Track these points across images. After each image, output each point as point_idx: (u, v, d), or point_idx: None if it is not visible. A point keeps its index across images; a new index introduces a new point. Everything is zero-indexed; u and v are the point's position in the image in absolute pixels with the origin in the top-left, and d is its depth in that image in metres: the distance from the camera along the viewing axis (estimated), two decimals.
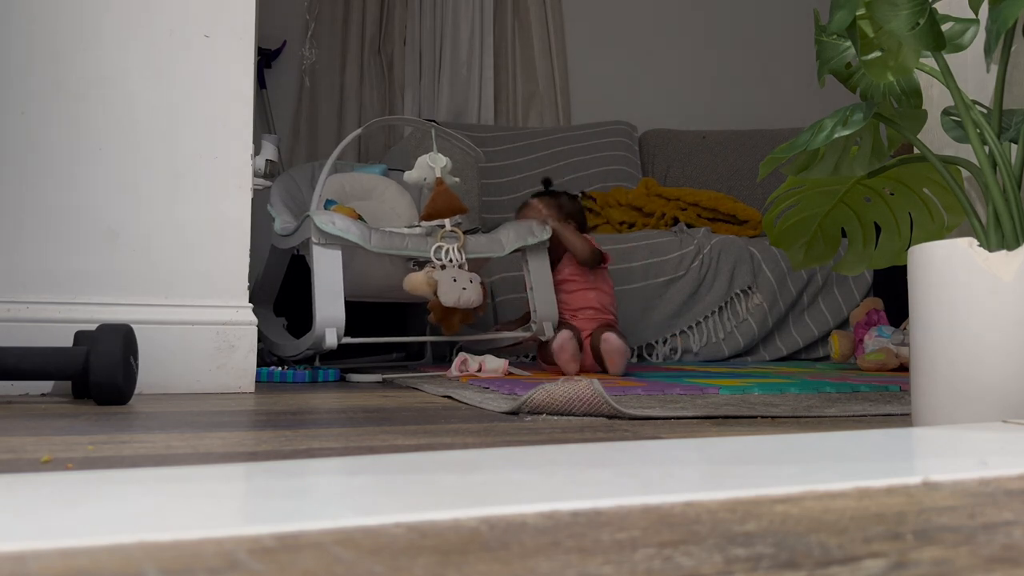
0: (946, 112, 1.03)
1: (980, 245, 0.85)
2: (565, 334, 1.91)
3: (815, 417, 1.07)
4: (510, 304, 2.52)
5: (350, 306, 1.94)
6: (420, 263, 2.00)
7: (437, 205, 2.01)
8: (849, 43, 1.02)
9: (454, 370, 1.80)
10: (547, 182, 2.37)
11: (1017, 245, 0.85)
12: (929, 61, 0.97)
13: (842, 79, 1.05)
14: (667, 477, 0.51)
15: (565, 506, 0.40)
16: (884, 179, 1.10)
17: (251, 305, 1.52)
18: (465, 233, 2.04)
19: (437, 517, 0.37)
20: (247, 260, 1.53)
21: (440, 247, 1.97)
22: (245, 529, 0.35)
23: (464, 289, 1.90)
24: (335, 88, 3.47)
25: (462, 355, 1.84)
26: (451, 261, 1.96)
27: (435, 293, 1.91)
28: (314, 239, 1.92)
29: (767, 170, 1.02)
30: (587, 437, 0.84)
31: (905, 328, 2.15)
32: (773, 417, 1.06)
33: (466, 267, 1.97)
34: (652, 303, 2.63)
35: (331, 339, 1.88)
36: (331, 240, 1.92)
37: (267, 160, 1.78)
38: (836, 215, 1.17)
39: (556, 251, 2.16)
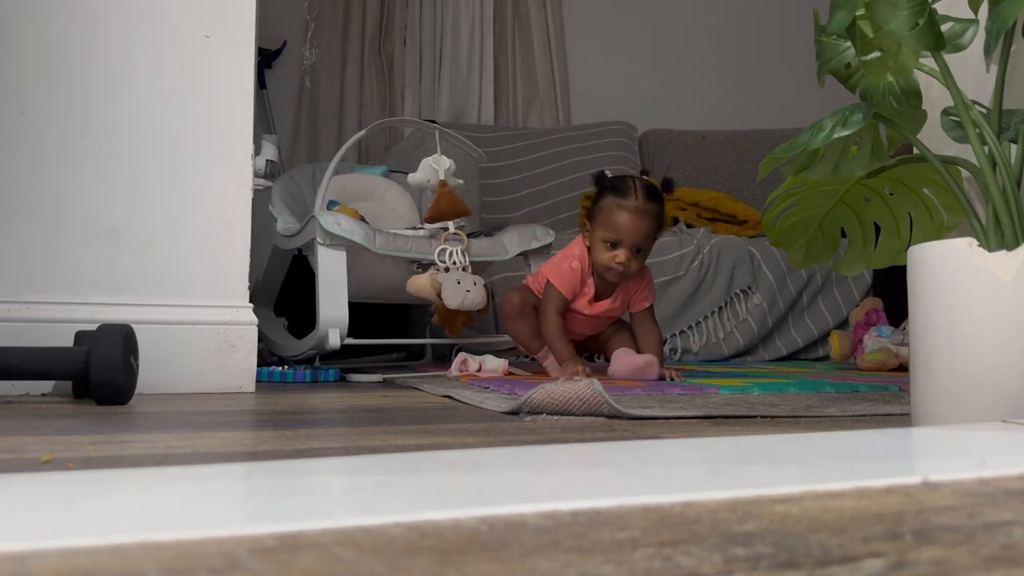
0: (946, 112, 1.03)
1: (980, 245, 0.85)
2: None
3: (815, 417, 1.07)
4: None
5: (352, 307, 1.94)
6: (424, 265, 2.00)
7: (441, 207, 2.01)
8: (849, 43, 1.02)
9: (454, 370, 1.80)
10: (667, 184, 1.78)
11: (1016, 245, 0.85)
12: (929, 61, 0.97)
13: (842, 79, 1.05)
14: (667, 477, 0.51)
15: (565, 506, 0.40)
16: (884, 179, 1.10)
17: (251, 305, 1.52)
18: (468, 236, 2.05)
19: (437, 517, 0.37)
20: (247, 260, 1.53)
21: (444, 249, 1.97)
22: (245, 529, 0.35)
23: (468, 292, 1.91)
24: (335, 88, 3.47)
25: (462, 355, 1.84)
26: (455, 263, 1.96)
27: (439, 295, 1.91)
28: (319, 239, 1.93)
29: (767, 170, 1.03)
30: (587, 437, 0.85)
31: (904, 328, 2.15)
32: (773, 417, 1.06)
33: (469, 269, 1.97)
34: None
35: (334, 339, 1.88)
36: (336, 241, 1.93)
37: (267, 160, 1.78)
38: (836, 215, 1.17)
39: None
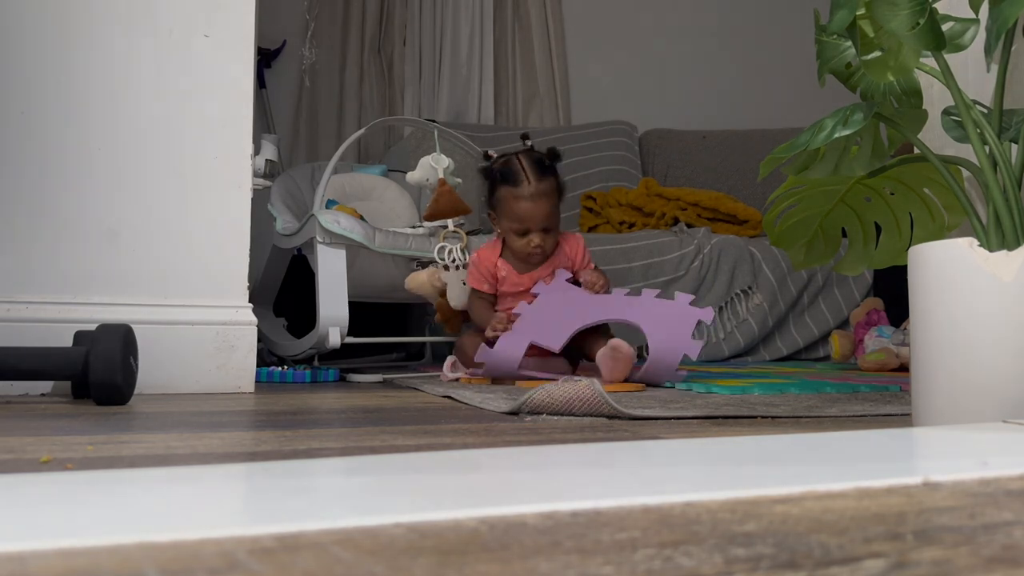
0: (946, 112, 1.03)
1: (980, 245, 0.85)
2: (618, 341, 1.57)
3: (815, 417, 1.06)
4: None
5: (351, 306, 1.94)
6: (423, 263, 2.00)
7: (440, 206, 2.01)
8: (849, 43, 1.02)
9: (447, 371, 1.79)
10: (553, 154, 1.79)
11: (1017, 245, 0.85)
12: (929, 61, 0.97)
13: (842, 79, 1.05)
14: (667, 477, 0.51)
15: (565, 506, 0.40)
16: (884, 179, 1.10)
17: (251, 305, 1.52)
18: (467, 234, 2.05)
19: (437, 517, 0.37)
20: (247, 260, 1.53)
21: (443, 247, 1.97)
22: (245, 529, 0.35)
23: None
24: (335, 88, 3.47)
25: (451, 358, 1.82)
26: (454, 261, 1.96)
27: (442, 295, 1.91)
28: (319, 238, 1.93)
29: (767, 170, 1.02)
30: (587, 437, 0.84)
31: (905, 328, 2.15)
32: (773, 417, 1.06)
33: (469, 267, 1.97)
34: None
35: (335, 338, 1.89)
36: (336, 239, 1.93)
37: (267, 160, 1.78)
38: (836, 215, 1.17)
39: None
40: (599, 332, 1.73)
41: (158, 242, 1.47)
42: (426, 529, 0.36)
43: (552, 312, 1.62)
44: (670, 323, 1.56)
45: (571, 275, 1.75)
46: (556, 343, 1.57)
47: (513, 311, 1.67)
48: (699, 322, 1.59)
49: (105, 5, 1.47)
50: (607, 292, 1.71)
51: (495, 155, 1.79)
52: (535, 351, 1.68)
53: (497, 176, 1.74)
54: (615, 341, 1.54)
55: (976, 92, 1.16)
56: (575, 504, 0.40)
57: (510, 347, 1.56)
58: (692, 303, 1.59)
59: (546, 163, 1.73)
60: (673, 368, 1.56)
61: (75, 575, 0.29)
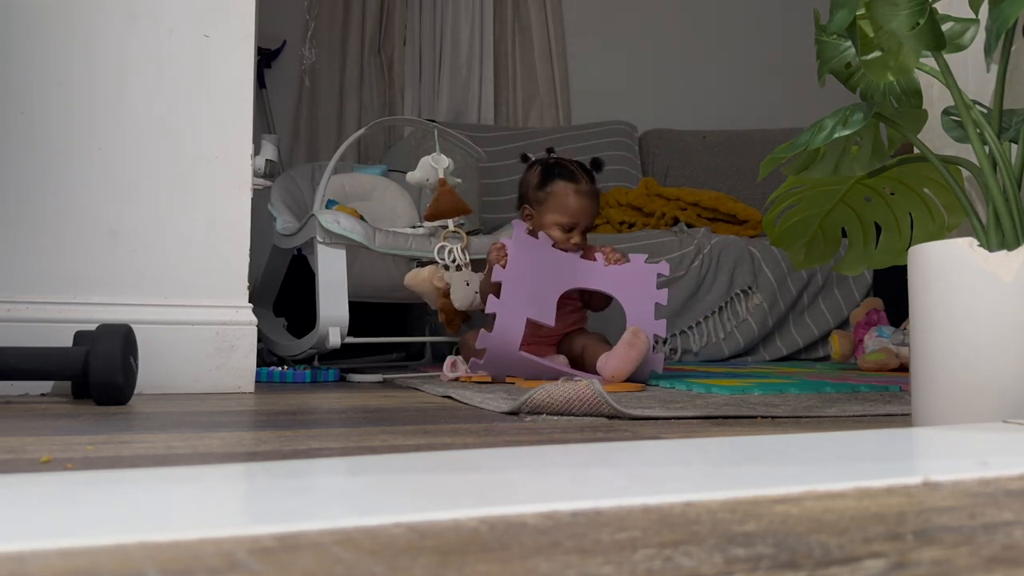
0: (946, 112, 1.03)
1: (980, 245, 0.85)
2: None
3: (815, 417, 1.06)
4: None
5: (351, 306, 1.94)
6: (423, 264, 2.00)
7: (440, 206, 2.01)
8: (849, 43, 1.02)
9: (447, 371, 1.78)
10: (597, 164, 1.84)
11: (1017, 245, 0.85)
12: (929, 61, 0.97)
13: (842, 79, 1.05)
14: (667, 477, 0.51)
15: (565, 506, 0.40)
16: (884, 179, 1.10)
17: (251, 305, 1.52)
18: (468, 234, 2.05)
19: (437, 517, 0.37)
20: (247, 260, 1.53)
21: (444, 247, 1.97)
22: (245, 529, 0.35)
23: (476, 293, 1.91)
24: (335, 88, 3.47)
25: (451, 358, 1.82)
26: (454, 261, 1.96)
27: (445, 295, 1.91)
28: (319, 238, 1.93)
29: (767, 170, 1.02)
30: (587, 437, 0.84)
31: (905, 328, 2.15)
32: (773, 417, 1.06)
33: (470, 267, 1.97)
34: None
35: (335, 338, 1.89)
36: (336, 239, 1.93)
37: (267, 160, 1.78)
38: (836, 215, 1.17)
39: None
40: (596, 339, 1.75)
41: (158, 242, 1.47)
42: (426, 529, 0.36)
43: (533, 283, 1.66)
44: (632, 281, 1.69)
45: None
46: (549, 317, 1.64)
47: (493, 279, 1.65)
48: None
49: (106, 4, 1.47)
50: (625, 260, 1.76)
51: (533, 157, 1.87)
52: (532, 344, 1.69)
53: (555, 170, 1.80)
54: (635, 327, 1.57)
55: (976, 92, 1.16)
56: (575, 504, 0.40)
57: (509, 321, 1.60)
58: (656, 270, 1.71)
59: (589, 169, 1.83)
60: (656, 327, 1.65)
61: (75, 575, 0.29)
